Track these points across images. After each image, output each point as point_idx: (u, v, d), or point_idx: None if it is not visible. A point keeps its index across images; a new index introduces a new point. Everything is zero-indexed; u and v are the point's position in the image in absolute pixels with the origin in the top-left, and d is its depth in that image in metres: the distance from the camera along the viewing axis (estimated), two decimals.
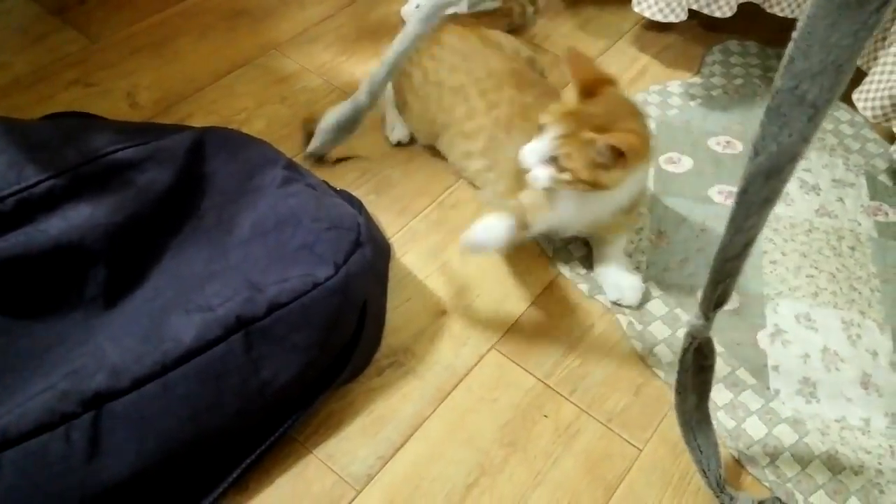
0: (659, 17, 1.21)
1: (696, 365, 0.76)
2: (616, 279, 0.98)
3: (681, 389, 0.78)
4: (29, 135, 0.84)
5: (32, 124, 0.89)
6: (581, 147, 0.83)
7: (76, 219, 0.80)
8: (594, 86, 0.86)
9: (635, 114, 0.88)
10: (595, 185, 0.85)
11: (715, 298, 0.70)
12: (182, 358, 0.72)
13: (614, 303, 0.98)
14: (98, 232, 0.80)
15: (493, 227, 0.88)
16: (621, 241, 1.00)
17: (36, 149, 0.82)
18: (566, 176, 0.85)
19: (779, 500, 0.82)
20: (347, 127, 1.05)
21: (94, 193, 0.82)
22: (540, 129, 0.87)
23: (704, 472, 0.81)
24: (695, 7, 1.23)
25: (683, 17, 1.22)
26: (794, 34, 0.54)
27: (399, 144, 1.15)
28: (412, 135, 1.15)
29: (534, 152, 0.86)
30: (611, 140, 0.81)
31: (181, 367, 0.72)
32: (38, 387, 0.70)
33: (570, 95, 0.87)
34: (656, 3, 1.21)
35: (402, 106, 1.13)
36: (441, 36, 1.11)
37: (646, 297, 0.98)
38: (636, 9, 1.24)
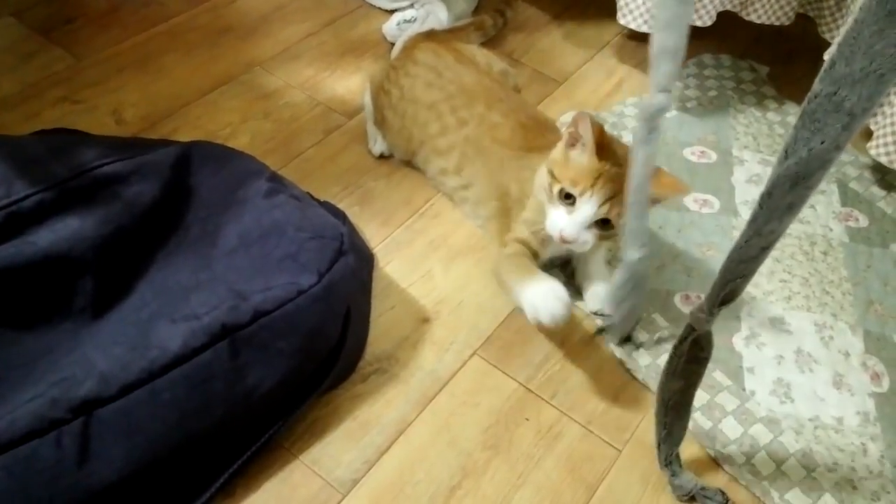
0: (644, 29, 1.25)
1: (691, 355, 0.76)
2: (596, 290, 1.00)
3: (669, 371, 0.78)
4: (17, 150, 0.86)
5: (20, 140, 0.91)
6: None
7: (64, 231, 0.81)
8: (606, 142, 0.87)
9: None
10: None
11: (722, 296, 0.69)
12: (169, 365, 0.74)
13: (595, 313, 1.00)
14: (86, 244, 0.82)
15: (551, 301, 0.87)
16: (602, 253, 1.02)
17: (24, 164, 0.84)
18: (614, 232, 0.89)
19: (721, 492, 0.83)
20: (637, 289, 0.91)
21: (81, 206, 0.83)
22: (563, 195, 0.88)
23: (659, 446, 0.83)
24: None
25: None
26: (838, 38, 0.53)
27: (382, 157, 1.18)
28: None
29: (576, 224, 0.87)
30: (667, 193, 0.88)
31: (168, 374, 0.73)
32: (28, 395, 0.71)
33: (584, 157, 0.87)
34: (641, 16, 1.24)
35: (380, 122, 1.16)
36: (416, 53, 1.14)
37: None
38: (621, 21, 1.27)
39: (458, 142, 1.05)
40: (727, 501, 0.82)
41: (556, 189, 0.89)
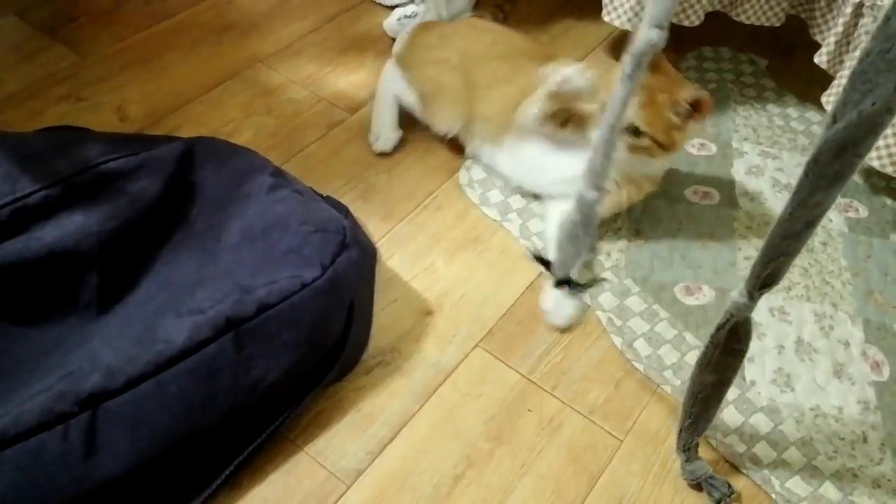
0: (628, 27, 1.24)
1: (727, 346, 0.72)
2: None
3: (703, 363, 0.75)
4: (22, 147, 0.87)
5: (25, 137, 0.91)
6: (659, 111, 0.93)
7: (70, 227, 0.82)
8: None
9: (683, 79, 0.97)
10: (668, 147, 0.96)
11: (763, 278, 0.66)
12: (175, 358, 0.74)
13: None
14: (91, 239, 0.83)
15: (560, 304, 0.98)
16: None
17: (29, 160, 0.85)
18: (644, 141, 0.95)
19: (728, 484, 0.83)
20: (584, 230, 0.91)
21: (86, 202, 0.84)
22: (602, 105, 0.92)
23: (680, 432, 0.82)
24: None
25: None
26: None
27: (382, 154, 1.18)
28: (395, 144, 1.18)
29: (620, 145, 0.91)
30: (694, 95, 0.91)
31: (174, 367, 0.74)
32: (35, 388, 0.72)
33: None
34: (625, 13, 1.24)
35: (431, 94, 1.15)
36: (459, 25, 1.21)
37: (625, 294, 1.01)
38: (605, 18, 1.27)
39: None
40: (731, 494, 0.83)
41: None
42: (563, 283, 0.98)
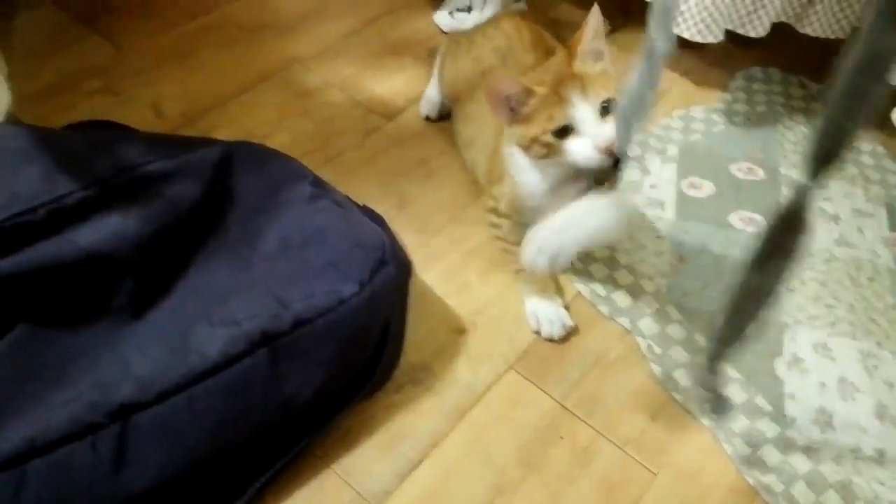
0: (698, 38, 1.22)
1: (778, 243, 0.63)
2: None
3: (751, 262, 0.65)
4: (61, 145, 0.85)
5: (64, 134, 0.90)
6: (589, 75, 0.89)
7: (106, 230, 0.80)
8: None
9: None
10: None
11: (827, 148, 0.55)
12: (207, 372, 0.73)
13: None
14: (127, 243, 0.81)
15: (553, 318, 0.96)
16: None
17: (68, 160, 0.83)
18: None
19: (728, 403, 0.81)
20: (651, 88, 0.81)
21: (124, 205, 0.82)
22: (563, 102, 0.88)
23: (713, 343, 0.75)
24: (730, 27, 1.24)
25: (721, 37, 1.23)
26: None
27: (428, 119, 1.21)
28: (437, 112, 1.22)
29: (588, 111, 0.87)
30: (591, 36, 0.89)
31: (206, 381, 0.73)
32: (65, 396, 0.70)
33: (537, 100, 0.89)
34: (695, 25, 1.21)
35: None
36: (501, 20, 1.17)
37: (665, 321, 0.98)
38: (674, 30, 1.24)
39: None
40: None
41: (549, 139, 0.89)
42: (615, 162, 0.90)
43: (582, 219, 0.90)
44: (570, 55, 0.90)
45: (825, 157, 0.56)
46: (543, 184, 0.96)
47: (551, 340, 0.96)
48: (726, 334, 0.74)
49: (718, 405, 0.79)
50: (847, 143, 0.55)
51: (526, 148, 0.92)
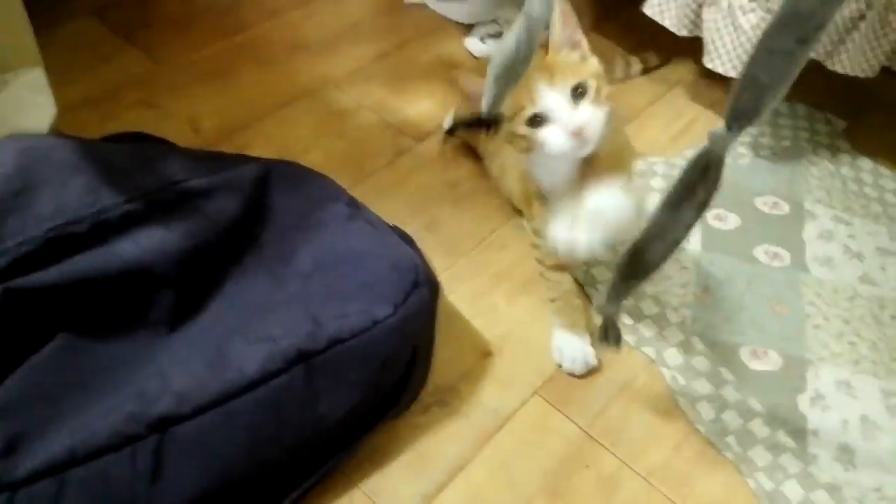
0: (732, 74, 1.23)
1: (691, 188, 0.66)
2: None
3: (664, 201, 0.68)
4: (106, 159, 0.87)
5: (109, 148, 0.92)
6: (560, 63, 0.89)
7: (148, 243, 0.82)
8: None
9: None
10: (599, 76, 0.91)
11: (740, 107, 0.60)
12: (245, 387, 0.74)
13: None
14: (167, 257, 0.82)
15: (578, 356, 0.96)
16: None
17: (112, 173, 0.85)
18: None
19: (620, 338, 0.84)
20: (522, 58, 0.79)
21: (165, 220, 0.84)
22: (533, 122, 0.89)
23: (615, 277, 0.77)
24: None
25: None
26: None
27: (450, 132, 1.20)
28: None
29: (556, 98, 0.88)
30: (560, 26, 0.89)
31: (243, 396, 0.74)
32: (104, 407, 0.72)
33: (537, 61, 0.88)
34: (729, 61, 1.23)
35: None
36: None
37: (690, 352, 0.99)
38: (708, 65, 1.26)
39: None
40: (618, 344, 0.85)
41: (523, 130, 0.90)
42: (482, 122, 0.92)
43: (599, 204, 0.90)
44: (543, 50, 0.90)
45: (744, 112, 0.59)
46: (555, 177, 0.97)
47: (571, 375, 0.97)
48: (628, 270, 0.75)
49: (612, 335, 0.83)
50: (765, 101, 0.58)
51: (511, 143, 0.94)
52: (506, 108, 0.89)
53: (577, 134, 0.88)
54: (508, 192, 1.13)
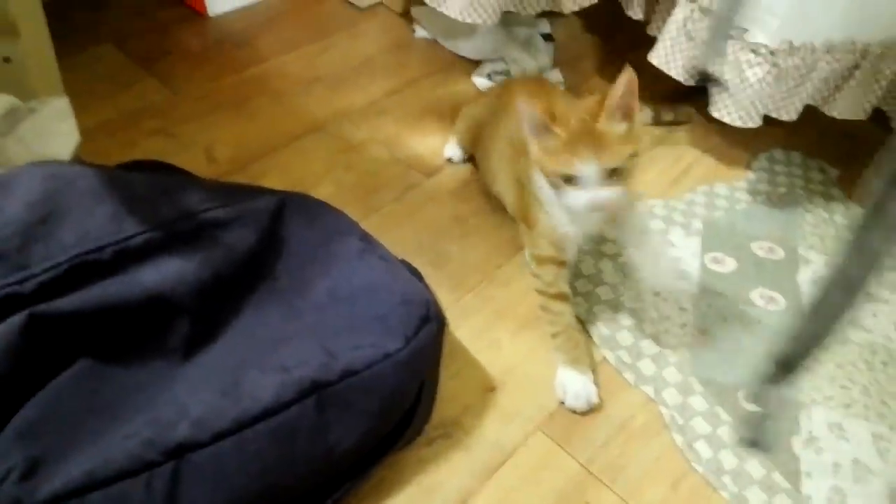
0: (738, 124, 1.29)
1: None
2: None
3: None
4: (129, 188, 0.90)
5: (130, 177, 0.95)
6: (606, 138, 0.91)
7: (167, 272, 0.84)
8: (559, 113, 0.94)
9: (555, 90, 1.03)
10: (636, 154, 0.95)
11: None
12: (259, 416, 0.76)
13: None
14: (186, 286, 0.85)
15: (581, 393, 0.99)
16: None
17: (134, 202, 0.88)
18: (616, 162, 0.92)
19: None
20: None
21: (185, 249, 0.87)
22: (565, 179, 0.93)
23: None
24: (765, 112, 1.31)
25: (759, 122, 1.30)
26: None
27: (450, 161, 1.30)
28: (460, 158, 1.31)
29: (595, 171, 0.91)
30: (620, 94, 0.90)
31: (257, 425, 0.75)
32: (122, 432, 0.73)
33: (552, 139, 0.93)
34: (737, 112, 1.28)
35: None
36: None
37: (688, 392, 1.02)
38: (715, 115, 1.31)
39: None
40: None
41: (555, 179, 0.95)
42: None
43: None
44: (598, 109, 0.92)
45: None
46: (565, 213, 1.01)
47: (573, 412, 1.00)
48: (810, 331, 0.71)
49: (765, 436, 0.79)
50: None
51: (538, 165, 0.98)
52: (548, 146, 0.94)
53: (599, 207, 0.94)
54: (502, 196, 1.18)
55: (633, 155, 0.93)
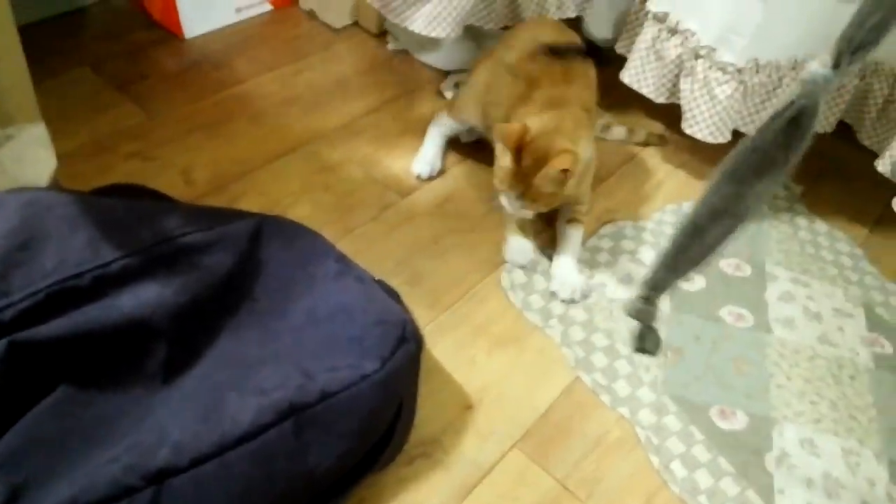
0: (710, 139, 1.33)
1: (781, 140, 0.61)
2: (562, 273, 1.19)
3: (735, 165, 0.65)
4: (105, 213, 0.90)
5: (107, 202, 0.95)
6: (537, 192, 1.09)
7: (146, 297, 0.85)
8: (519, 142, 1.08)
9: (552, 131, 1.09)
10: (565, 200, 1.16)
11: (859, 40, 0.58)
12: (238, 440, 0.76)
13: (553, 292, 1.18)
14: (164, 310, 0.85)
15: (521, 248, 1.20)
16: (578, 235, 1.23)
17: (112, 227, 0.88)
18: (543, 209, 1.14)
19: (658, 343, 0.97)
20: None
21: (163, 274, 0.87)
22: (503, 187, 1.12)
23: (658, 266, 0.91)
24: (736, 127, 1.36)
25: (730, 138, 1.35)
26: None
27: (419, 178, 1.34)
28: (432, 174, 1.35)
29: (510, 206, 1.14)
30: (550, 171, 1.05)
31: (237, 449, 0.76)
32: (103, 458, 0.74)
33: (506, 159, 1.10)
34: (707, 128, 1.32)
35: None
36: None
37: (662, 412, 1.04)
38: (687, 131, 1.35)
39: None
40: (655, 350, 0.97)
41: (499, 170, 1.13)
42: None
43: None
44: (545, 161, 1.07)
45: (862, 46, 0.59)
46: None
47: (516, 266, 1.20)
48: (679, 257, 0.80)
49: (650, 340, 0.88)
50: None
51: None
52: (503, 157, 1.11)
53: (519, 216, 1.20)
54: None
55: (560, 192, 1.11)
